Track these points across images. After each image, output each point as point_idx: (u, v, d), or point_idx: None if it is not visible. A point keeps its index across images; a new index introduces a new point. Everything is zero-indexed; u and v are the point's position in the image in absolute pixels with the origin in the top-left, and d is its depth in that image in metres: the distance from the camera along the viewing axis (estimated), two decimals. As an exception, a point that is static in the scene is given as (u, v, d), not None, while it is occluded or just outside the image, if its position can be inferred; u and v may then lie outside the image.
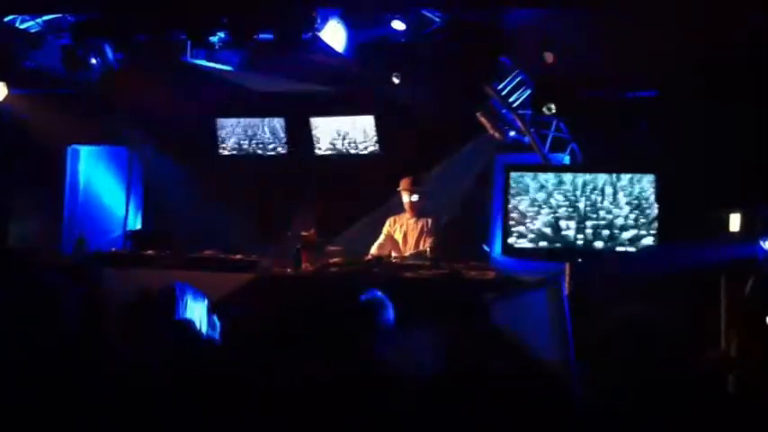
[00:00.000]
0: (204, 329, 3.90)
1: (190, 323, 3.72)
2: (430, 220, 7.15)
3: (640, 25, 5.72)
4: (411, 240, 7.06)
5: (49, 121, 8.16)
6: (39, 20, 7.36)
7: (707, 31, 5.68)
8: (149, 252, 6.83)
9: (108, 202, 9.17)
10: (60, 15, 7.33)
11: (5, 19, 7.23)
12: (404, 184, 7.12)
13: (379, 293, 3.88)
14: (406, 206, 7.09)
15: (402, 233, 7.11)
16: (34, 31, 7.39)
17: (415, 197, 7.04)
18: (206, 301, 3.89)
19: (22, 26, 7.36)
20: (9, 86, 7.56)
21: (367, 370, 3.22)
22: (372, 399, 3.02)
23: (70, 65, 7.21)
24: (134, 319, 3.89)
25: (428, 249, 6.71)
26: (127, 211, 9.09)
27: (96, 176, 9.19)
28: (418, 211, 7.07)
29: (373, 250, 7.09)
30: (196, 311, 3.92)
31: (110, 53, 7.23)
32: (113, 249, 7.07)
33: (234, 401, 2.98)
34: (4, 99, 7.62)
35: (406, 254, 6.97)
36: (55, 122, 8.19)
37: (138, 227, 9.11)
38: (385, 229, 7.19)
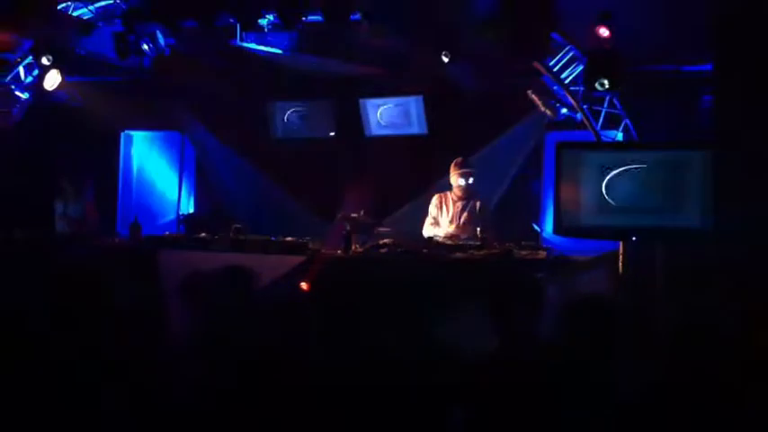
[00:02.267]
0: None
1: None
2: (479, 203, 7.08)
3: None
4: (459, 221, 6.99)
5: (102, 107, 8.27)
6: (91, 7, 7.47)
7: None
8: (203, 235, 6.91)
9: (161, 186, 9.30)
10: (112, 2, 7.43)
11: (58, 6, 7.35)
12: (456, 166, 7.05)
13: None
14: (458, 189, 7.01)
15: (450, 213, 7.05)
16: (86, 18, 7.51)
17: (470, 180, 6.97)
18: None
19: (74, 13, 7.48)
20: (63, 74, 7.68)
21: (424, 346, 3.22)
22: (428, 375, 3.03)
23: (122, 51, 7.31)
24: (190, 298, 3.95)
25: (478, 232, 6.66)
26: (180, 195, 9.21)
27: (149, 161, 9.33)
28: (469, 193, 7.01)
29: (427, 229, 7.04)
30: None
31: (161, 39, 7.32)
32: (167, 233, 7.16)
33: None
34: (59, 86, 7.75)
35: (452, 231, 6.92)
36: (108, 109, 8.31)
37: (191, 210, 9.22)
38: (433, 208, 7.13)
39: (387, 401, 2.94)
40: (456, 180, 7.00)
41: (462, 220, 6.97)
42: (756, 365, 2.70)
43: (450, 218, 7.03)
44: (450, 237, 6.81)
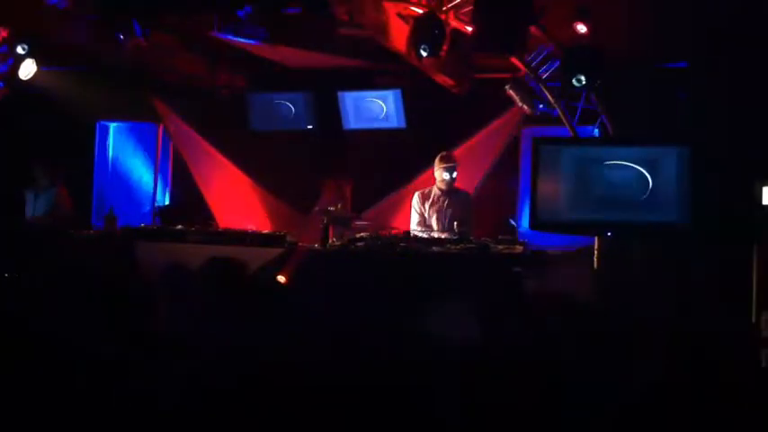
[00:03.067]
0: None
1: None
2: (463, 195, 7.13)
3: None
4: (444, 215, 7.01)
5: (77, 97, 8.20)
6: (67, -5, 7.38)
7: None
8: (178, 227, 6.88)
9: (137, 177, 9.22)
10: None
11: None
12: (441, 160, 7.08)
13: None
14: (442, 183, 7.04)
15: (434, 209, 7.06)
16: (63, 8, 7.42)
17: (454, 174, 7.02)
18: None
19: (50, 2, 7.38)
20: (38, 63, 7.60)
21: (401, 339, 3.22)
22: (405, 368, 3.03)
23: (98, 41, 7.23)
24: (167, 289, 3.93)
25: (455, 226, 6.70)
26: (155, 186, 9.15)
27: (125, 152, 9.24)
28: (452, 186, 7.05)
29: (414, 227, 7.05)
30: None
31: (138, 29, 7.25)
32: (143, 224, 7.11)
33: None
34: (34, 75, 7.66)
35: (438, 228, 6.95)
36: (84, 98, 8.23)
37: (167, 202, 9.17)
38: (417, 206, 7.14)
39: (365, 397, 2.94)
40: (441, 174, 7.04)
41: (449, 213, 6.98)
42: (732, 359, 2.75)
43: (434, 211, 7.04)
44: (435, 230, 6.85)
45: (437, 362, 3.12)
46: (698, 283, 6.10)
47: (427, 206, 7.08)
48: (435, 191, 7.10)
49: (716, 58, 6.30)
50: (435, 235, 6.86)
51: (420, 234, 6.87)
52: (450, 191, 7.05)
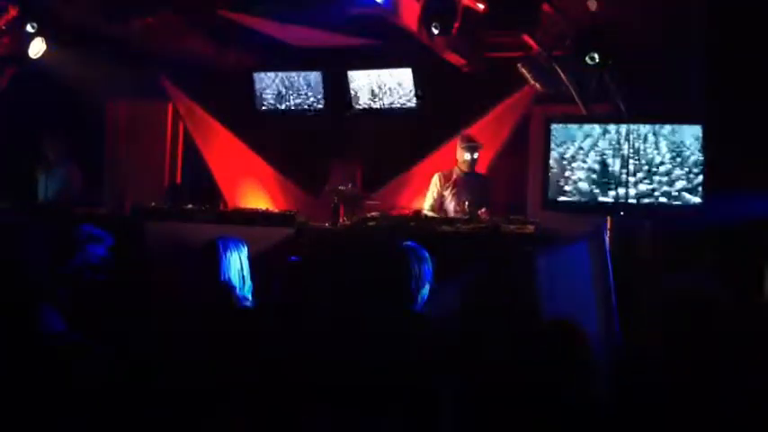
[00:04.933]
0: (243, 283, 3.93)
1: (229, 287, 3.75)
2: (483, 179, 7.09)
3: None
4: (464, 198, 6.95)
5: (88, 75, 8.17)
6: (76, -27, 7.35)
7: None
8: (189, 206, 6.87)
9: (148, 156, 9.20)
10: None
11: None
12: (463, 140, 7.04)
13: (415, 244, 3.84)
14: (464, 164, 7.01)
15: (453, 191, 7.02)
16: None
17: (475, 154, 6.98)
18: (245, 250, 3.92)
19: (59, -20, 7.36)
20: (48, 42, 7.57)
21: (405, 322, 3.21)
22: (412, 348, 3.02)
23: (109, 19, 7.20)
24: (176, 270, 3.93)
25: (466, 204, 6.66)
26: (167, 165, 9.14)
27: (136, 131, 9.22)
28: (473, 167, 7.02)
29: (427, 208, 7.02)
30: (235, 265, 3.96)
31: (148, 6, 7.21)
32: (153, 204, 7.10)
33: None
34: (43, 54, 7.64)
35: (455, 212, 6.91)
36: (94, 77, 8.20)
37: (178, 181, 9.16)
38: (435, 188, 7.10)
39: (374, 380, 2.93)
40: (462, 154, 7.02)
41: (468, 197, 6.92)
42: (748, 336, 2.71)
43: (453, 193, 6.98)
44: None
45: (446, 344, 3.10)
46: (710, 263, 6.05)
47: (448, 188, 7.04)
48: (457, 172, 7.06)
49: (729, 33, 6.20)
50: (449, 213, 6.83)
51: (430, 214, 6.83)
52: (471, 174, 7.02)
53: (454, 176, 7.05)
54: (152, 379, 3.06)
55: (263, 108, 8.68)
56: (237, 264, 3.89)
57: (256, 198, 8.72)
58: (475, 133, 7.67)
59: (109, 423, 2.89)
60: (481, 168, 7.59)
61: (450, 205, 7.00)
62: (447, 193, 7.04)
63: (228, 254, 3.87)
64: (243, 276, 3.92)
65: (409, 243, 3.73)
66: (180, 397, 3.03)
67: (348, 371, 2.94)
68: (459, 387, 2.85)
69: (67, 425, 2.87)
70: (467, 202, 6.73)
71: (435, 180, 7.12)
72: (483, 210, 6.58)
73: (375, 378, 2.90)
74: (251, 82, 8.64)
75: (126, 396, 2.96)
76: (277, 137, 8.76)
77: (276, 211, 6.96)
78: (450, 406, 2.78)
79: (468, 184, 7.00)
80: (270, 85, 8.65)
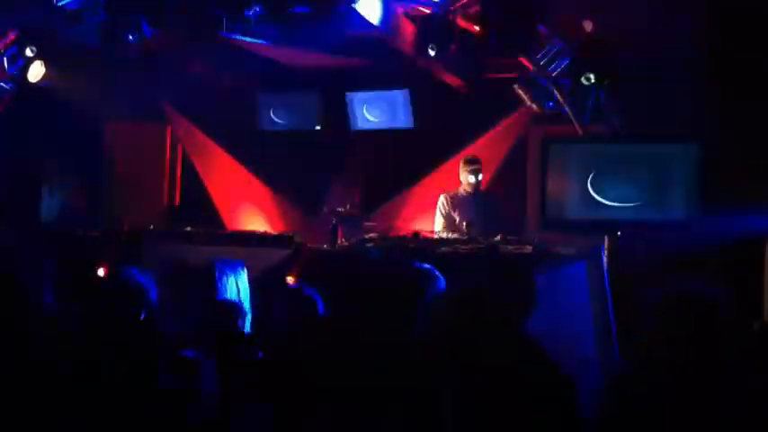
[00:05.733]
0: (241, 306, 3.92)
1: (227, 306, 3.74)
2: (492, 197, 7.08)
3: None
4: (471, 219, 6.92)
5: (87, 97, 8.21)
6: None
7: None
8: (188, 228, 6.87)
9: (146, 178, 9.22)
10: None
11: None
12: (465, 163, 7.04)
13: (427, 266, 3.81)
14: (468, 186, 6.99)
15: (462, 211, 7.01)
16: (71, 9, 7.43)
17: (479, 176, 6.98)
18: (244, 273, 3.91)
19: (59, 3, 7.40)
20: (48, 64, 7.61)
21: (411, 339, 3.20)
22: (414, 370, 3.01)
23: (107, 41, 7.25)
24: (175, 292, 3.92)
25: (464, 225, 6.65)
26: (166, 187, 9.15)
27: (135, 153, 9.24)
28: (479, 189, 7.02)
29: (438, 230, 6.98)
30: (232, 288, 3.95)
31: (146, 29, 7.25)
32: (152, 226, 7.10)
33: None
34: (43, 77, 7.67)
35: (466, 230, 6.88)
36: (93, 99, 8.24)
37: (177, 203, 9.17)
38: (442, 209, 7.08)
39: (373, 397, 2.93)
40: (466, 177, 7.00)
41: (479, 215, 6.90)
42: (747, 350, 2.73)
43: (460, 214, 6.96)
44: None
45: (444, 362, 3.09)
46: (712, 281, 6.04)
47: (456, 209, 7.00)
48: (462, 192, 7.05)
49: (726, 52, 6.24)
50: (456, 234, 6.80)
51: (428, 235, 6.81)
52: (478, 193, 7.02)
53: (461, 197, 7.05)
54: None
55: (262, 128, 8.72)
56: (234, 287, 3.88)
57: (255, 220, 8.72)
58: (475, 153, 7.69)
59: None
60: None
61: (463, 226, 6.98)
62: (457, 214, 7.02)
63: (225, 277, 3.86)
64: (240, 299, 3.91)
65: (422, 265, 3.68)
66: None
67: (348, 371, 2.94)
68: (460, 387, 2.85)
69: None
70: (464, 223, 6.73)
71: (442, 201, 7.09)
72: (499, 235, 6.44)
73: (375, 378, 2.90)
74: (254, 102, 8.68)
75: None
76: (275, 158, 8.77)
77: (274, 232, 6.95)
78: (450, 406, 2.79)
79: (473, 204, 7.00)
80: (270, 104, 8.69)
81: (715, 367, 2.60)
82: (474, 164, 7.02)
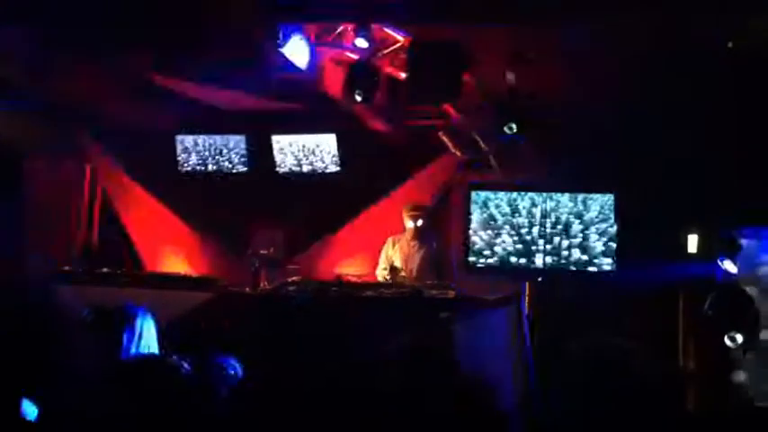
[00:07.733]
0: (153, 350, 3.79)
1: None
2: (430, 242, 7.12)
3: (601, 47, 5.78)
4: (412, 265, 6.99)
5: (7, 134, 7.99)
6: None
7: (666, 52, 5.76)
8: (105, 270, 6.68)
9: (65, 217, 8.97)
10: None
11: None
12: (407, 210, 7.10)
13: None
14: (409, 231, 7.05)
15: (402, 257, 7.05)
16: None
17: (420, 222, 7.03)
18: (150, 320, 3.77)
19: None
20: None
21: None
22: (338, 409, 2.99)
23: (33, 79, 7.09)
24: (87, 335, 3.79)
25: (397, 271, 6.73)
26: (84, 226, 8.93)
27: (54, 191, 9.00)
28: (421, 234, 7.06)
29: (381, 275, 6.99)
30: (137, 335, 3.79)
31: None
32: (67, 267, 6.89)
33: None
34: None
35: (405, 273, 6.92)
36: (14, 136, 8.03)
37: (95, 243, 8.94)
38: (387, 253, 7.12)
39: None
40: (408, 222, 7.06)
41: (417, 263, 6.96)
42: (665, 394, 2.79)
43: (402, 260, 7.02)
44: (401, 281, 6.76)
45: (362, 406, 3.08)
46: (627, 329, 6.19)
47: (396, 252, 7.07)
48: (406, 238, 7.11)
49: (642, 108, 6.48)
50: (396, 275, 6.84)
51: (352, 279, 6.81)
52: (420, 238, 7.06)
53: (402, 241, 7.10)
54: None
55: (186, 170, 8.61)
56: (137, 334, 3.71)
57: (176, 262, 8.57)
58: (398, 199, 7.75)
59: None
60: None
61: (406, 272, 7.02)
62: (396, 259, 7.07)
63: (129, 324, 3.69)
64: (147, 347, 3.74)
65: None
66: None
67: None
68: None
69: None
70: (389, 268, 6.77)
71: (386, 244, 7.17)
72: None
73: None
74: (174, 143, 8.58)
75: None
76: (199, 200, 8.66)
77: (195, 275, 6.83)
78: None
79: (416, 248, 7.05)
80: (192, 147, 8.60)
81: (629, 418, 2.65)
82: (414, 210, 7.12)
